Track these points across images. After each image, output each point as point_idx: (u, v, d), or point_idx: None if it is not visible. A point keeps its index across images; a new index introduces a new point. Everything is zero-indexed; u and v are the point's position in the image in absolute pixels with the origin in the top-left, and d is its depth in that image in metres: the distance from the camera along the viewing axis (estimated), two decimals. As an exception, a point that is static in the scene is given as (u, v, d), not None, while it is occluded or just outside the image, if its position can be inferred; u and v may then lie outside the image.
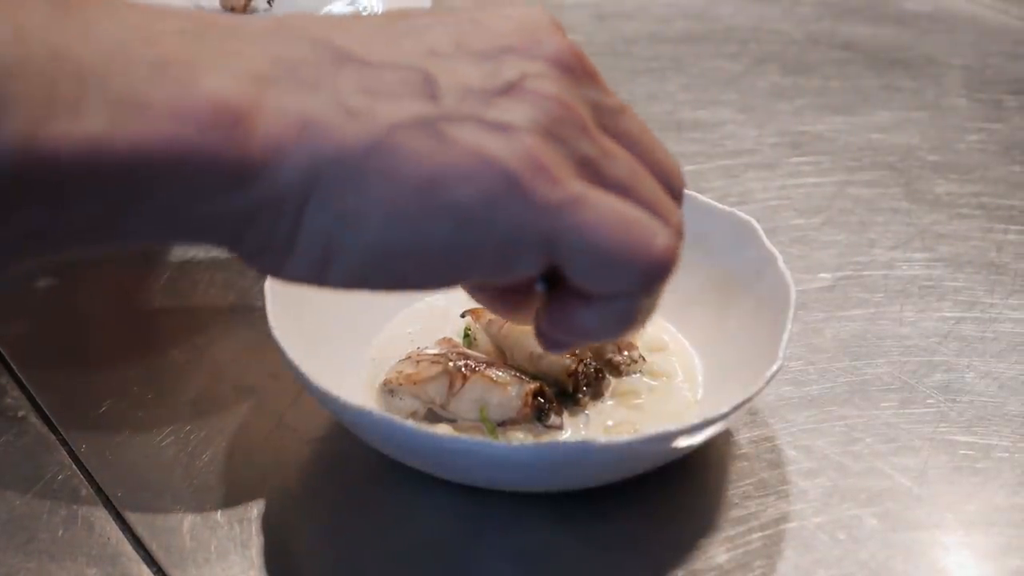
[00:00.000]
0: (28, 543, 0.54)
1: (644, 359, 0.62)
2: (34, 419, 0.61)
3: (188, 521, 0.55)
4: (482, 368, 0.58)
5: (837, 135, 0.88)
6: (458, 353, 0.59)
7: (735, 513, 0.56)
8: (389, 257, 0.41)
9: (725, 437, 0.59)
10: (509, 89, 0.42)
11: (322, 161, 0.39)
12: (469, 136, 0.40)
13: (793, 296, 0.59)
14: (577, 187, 0.41)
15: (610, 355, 0.61)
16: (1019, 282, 0.72)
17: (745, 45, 1.03)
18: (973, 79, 0.98)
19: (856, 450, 0.60)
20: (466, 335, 0.63)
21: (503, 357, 0.61)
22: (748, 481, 0.58)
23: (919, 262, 0.74)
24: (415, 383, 0.58)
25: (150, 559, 0.54)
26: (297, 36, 0.41)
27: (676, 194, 0.46)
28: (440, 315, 0.65)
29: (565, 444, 0.57)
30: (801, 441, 0.60)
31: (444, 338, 0.62)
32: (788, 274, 0.60)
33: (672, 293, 0.64)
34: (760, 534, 0.55)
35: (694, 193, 0.66)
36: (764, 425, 0.61)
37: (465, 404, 0.57)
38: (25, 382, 0.63)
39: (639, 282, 0.42)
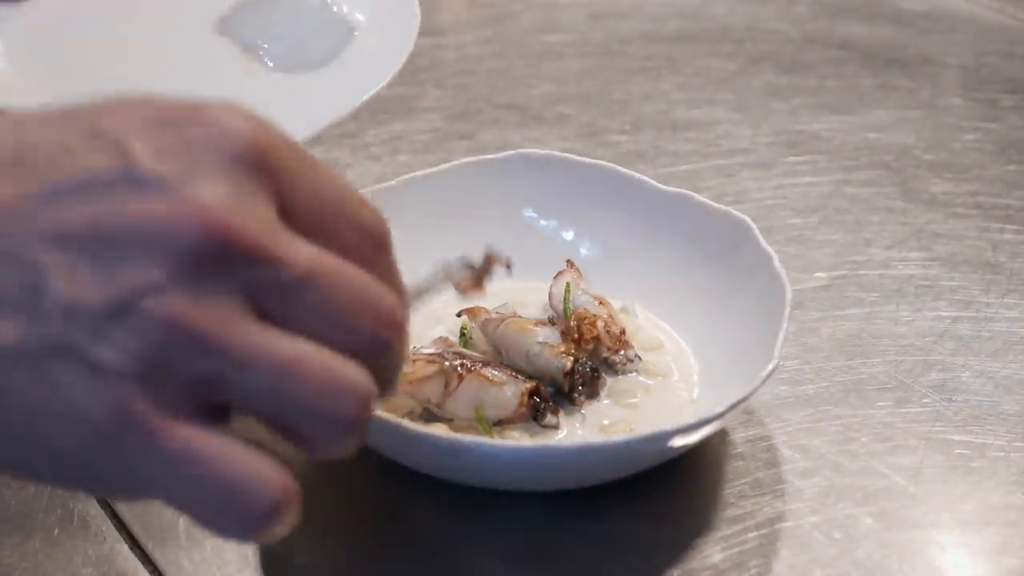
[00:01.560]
0: (24, 542, 0.54)
1: (640, 358, 0.62)
2: (29, 418, 0.61)
3: (184, 520, 0.55)
4: (478, 367, 0.58)
5: (833, 134, 0.88)
6: (454, 352, 0.59)
7: (731, 512, 0.56)
8: (13, 474, 0.41)
9: (721, 436, 0.59)
10: (119, 310, 0.38)
11: None
12: (64, 378, 0.38)
13: (789, 295, 0.59)
14: (177, 440, 0.39)
15: (606, 354, 0.61)
16: (1015, 281, 0.72)
17: (740, 44, 1.03)
18: (969, 78, 0.98)
19: (852, 449, 0.60)
20: (462, 334, 0.63)
21: (499, 356, 0.61)
22: (744, 480, 0.58)
23: (915, 261, 0.74)
24: (411, 382, 0.58)
25: (146, 558, 0.54)
26: None
27: (376, 352, 0.42)
28: (436, 314, 0.65)
29: (561, 444, 0.57)
30: (797, 440, 0.60)
31: (440, 337, 0.62)
32: (784, 273, 0.60)
33: (668, 292, 0.65)
34: (756, 533, 0.55)
35: (690, 192, 0.66)
36: (760, 424, 0.61)
37: (461, 403, 0.57)
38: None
39: (241, 531, 0.40)
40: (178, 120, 0.41)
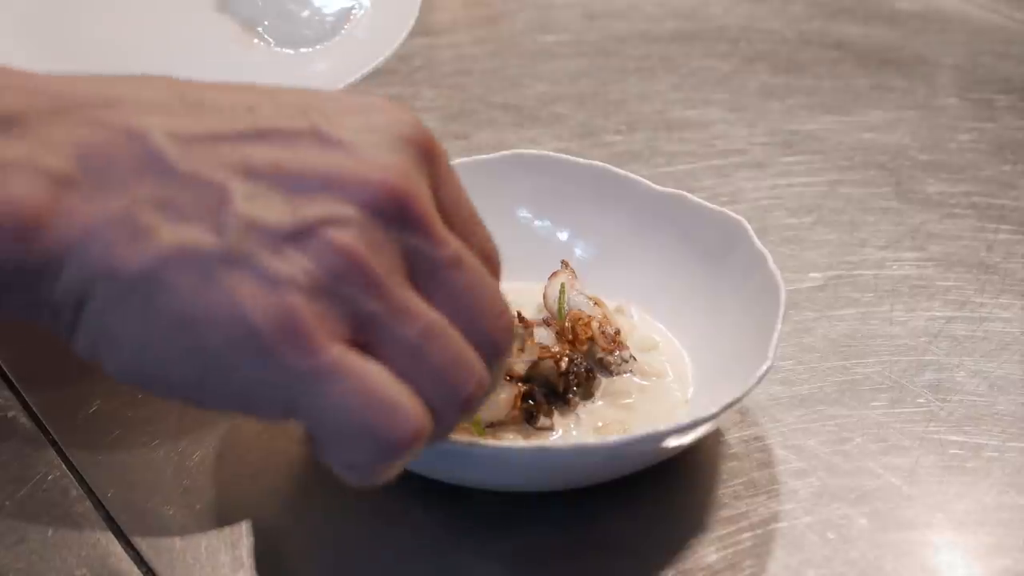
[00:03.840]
0: (18, 543, 0.54)
1: (635, 359, 0.62)
2: (23, 419, 0.61)
3: (178, 521, 0.55)
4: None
5: (828, 134, 0.88)
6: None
7: (725, 513, 0.56)
8: (141, 376, 0.41)
9: (715, 437, 0.59)
10: (301, 233, 0.41)
11: (95, 277, 0.40)
12: (233, 282, 0.40)
13: (783, 296, 0.59)
14: (330, 354, 0.40)
15: (601, 355, 0.61)
16: (1009, 281, 0.72)
17: (736, 44, 1.03)
18: (964, 78, 0.98)
19: (846, 449, 0.60)
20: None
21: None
22: (738, 481, 0.58)
23: (910, 261, 0.74)
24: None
25: (140, 559, 0.54)
26: (116, 123, 0.41)
27: (491, 354, 0.45)
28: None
29: (555, 444, 0.57)
30: (791, 441, 0.60)
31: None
32: (778, 274, 0.60)
33: (663, 293, 0.65)
34: (750, 534, 0.55)
35: (685, 193, 0.66)
36: (754, 425, 0.61)
37: (454, 405, 0.57)
38: (15, 382, 0.63)
39: (367, 459, 0.42)
40: (354, 106, 0.45)
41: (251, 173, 0.41)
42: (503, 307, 0.46)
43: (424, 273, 0.43)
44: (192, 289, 0.40)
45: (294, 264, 0.40)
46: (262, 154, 0.42)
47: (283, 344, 0.40)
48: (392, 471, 0.43)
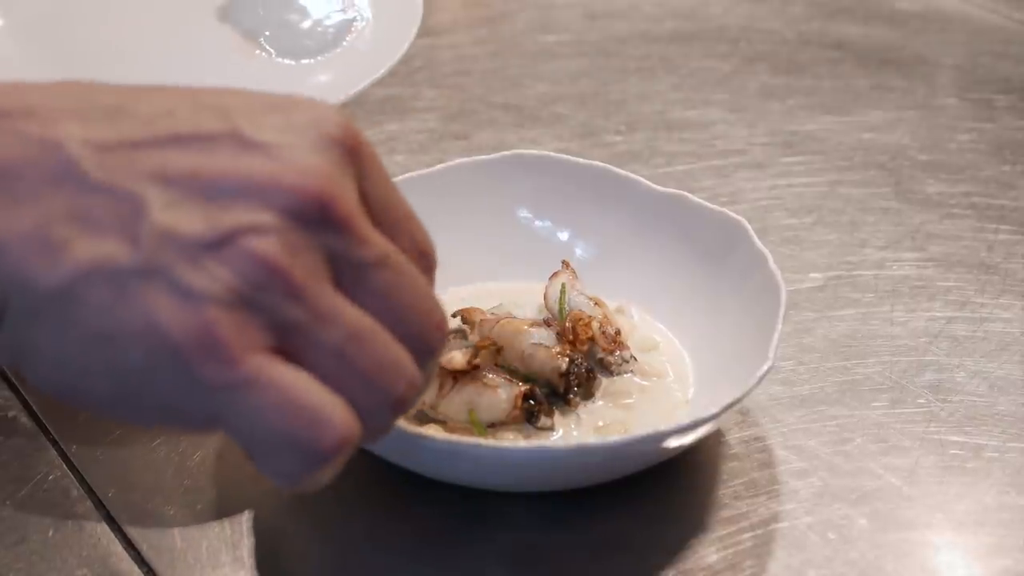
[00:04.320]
0: (18, 544, 0.54)
1: (635, 359, 0.62)
2: (24, 419, 0.61)
3: (179, 521, 0.55)
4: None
5: (828, 135, 0.88)
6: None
7: (725, 513, 0.56)
8: (61, 392, 0.41)
9: (716, 437, 0.59)
10: (218, 243, 0.40)
11: (9, 291, 0.39)
12: (150, 296, 0.39)
13: (784, 296, 0.59)
14: (251, 366, 0.40)
15: (601, 355, 0.62)
16: (1009, 282, 0.72)
17: (736, 45, 1.03)
18: (964, 79, 0.98)
19: (847, 450, 0.60)
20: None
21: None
22: (739, 481, 0.58)
23: (910, 262, 0.74)
24: (406, 383, 0.58)
25: (140, 559, 0.54)
26: (33, 134, 0.40)
27: (422, 353, 0.44)
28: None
29: (556, 444, 0.57)
30: (792, 441, 0.60)
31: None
32: (779, 274, 0.60)
33: (664, 293, 0.65)
34: (750, 534, 0.55)
35: (684, 193, 0.66)
36: (755, 425, 0.61)
37: (455, 406, 0.57)
38: (15, 382, 0.63)
39: (295, 467, 0.41)
40: (277, 105, 0.44)
41: (168, 181, 0.41)
42: (433, 305, 0.45)
43: (349, 275, 0.42)
44: (107, 304, 0.39)
45: (211, 275, 0.40)
46: (179, 160, 0.41)
47: (201, 357, 0.39)
48: (323, 477, 0.42)
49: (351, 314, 0.42)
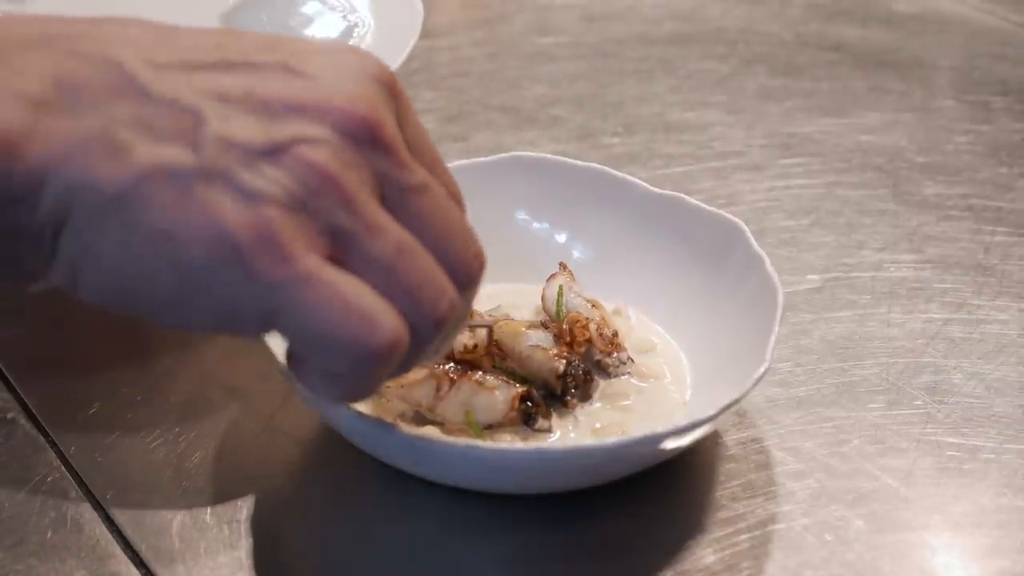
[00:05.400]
0: (17, 544, 0.54)
1: (633, 361, 0.62)
2: (23, 421, 0.61)
3: (177, 522, 0.55)
4: (470, 372, 0.58)
5: (826, 137, 0.89)
6: (446, 356, 0.59)
7: (723, 514, 0.56)
8: (121, 295, 0.42)
9: (713, 439, 0.59)
10: (275, 151, 0.42)
11: (75, 195, 0.40)
12: (211, 197, 0.41)
13: (781, 298, 0.59)
14: (308, 265, 0.41)
15: (599, 356, 0.62)
16: (1006, 283, 0.73)
17: (734, 46, 1.03)
18: (961, 81, 0.98)
19: (844, 451, 0.60)
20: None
21: (492, 359, 0.61)
22: (736, 482, 0.58)
23: (907, 264, 0.74)
24: (403, 386, 0.58)
25: (139, 560, 0.54)
26: (89, 51, 0.42)
27: (462, 281, 0.46)
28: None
29: (553, 446, 0.57)
30: (789, 442, 0.60)
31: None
32: (776, 276, 0.60)
33: (661, 295, 0.65)
34: (748, 535, 0.55)
35: (682, 195, 0.66)
36: (752, 426, 0.61)
37: (452, 407, 0.57)
38: (14, 383, 0.63)
39: (349, 368, 0.43)
40: (319, 47, 0.46)
41: (224, 98, 0.42)
42: (472, 236, 0.46)
43: (394, 196, 0.44)
44: (170, 204, 0.40)
45: (269, 179, 0.41)
46: (234, 82, 0.43)
47: (260, 255, 0.41)
48: (370, 384, 0.44)
49: (396, 229, 0.44)
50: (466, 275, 0.46)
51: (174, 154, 0.41)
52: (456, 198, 0.48)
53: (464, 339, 0.59)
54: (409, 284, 0.43)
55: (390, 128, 0.44)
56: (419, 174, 0.45)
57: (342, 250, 0.43)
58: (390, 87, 0.45)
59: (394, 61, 0.76)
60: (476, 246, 0.47)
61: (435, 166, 0.47)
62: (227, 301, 0.41)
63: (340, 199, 0.42)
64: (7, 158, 0.40)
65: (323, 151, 0.42)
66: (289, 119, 0.42)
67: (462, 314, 0.46)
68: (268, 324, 0.42)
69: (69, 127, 0.40)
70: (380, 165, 0.44)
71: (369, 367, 0.43)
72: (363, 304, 0.42)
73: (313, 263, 0.41)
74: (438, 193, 0.45)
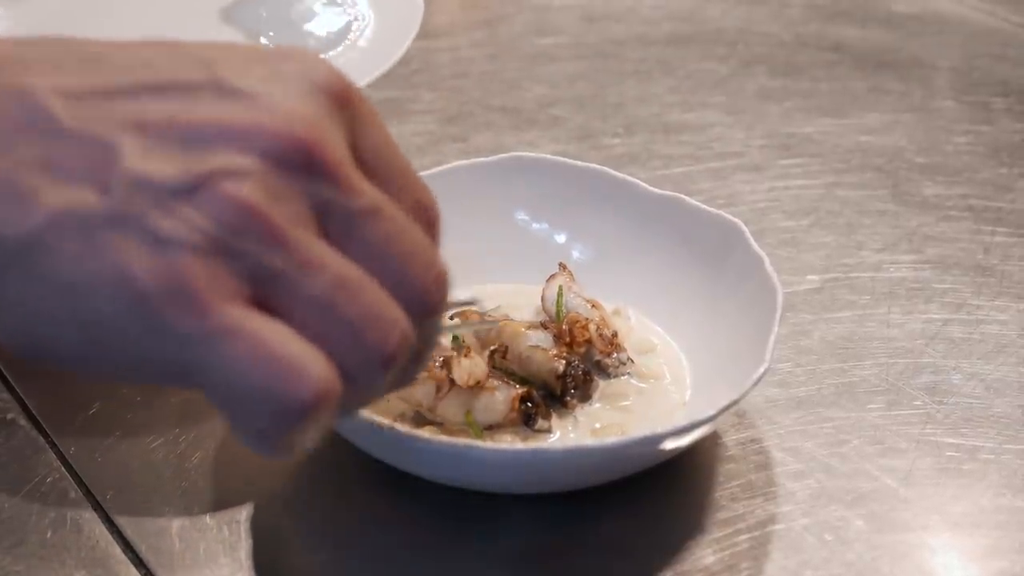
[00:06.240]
0: (17, 545, 0.54)
1: (632, 361, 0.62)
2: (23, 421, 0.61)
3: (177, 523, 0.55)
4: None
5: (825, 137, 0.89)
6: (446, 357, 0.59)
7: (722, 515, 0.56)
8: (30, 348, 0.40)
9: (713, 439, 0.59)
10: (194, 188, 0.38)
11: None
12: (118, 245, 0.38)
13: (780, 298, 0.59)
14: (223, 315, 0.38)
15: (599, 357, 0.62)
16: (1006, 284, 0.73)
17: (733, 47, 1.03)
18: (961, 81, 0.98)
19: (843, 452, 0.60)
20: (455, 338, 0.63)
21: (491, 359, 0.61)
22: (735, 483, 0.58)
23: (907, 264, 0.74)
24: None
25: (139, 561, 0.54)
26: (4, 83, 0.39)
27: (419, 310, 0.42)
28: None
29: (553, 446, 0.57)
30: (788, 443, 0.60)
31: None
32: (776, 276, 0.60)
33: (661, 295, 0.65)
34: (747, 536, 0.55)
35: (682, 195, 0.66)
36: (751, 427, 0.61)
37: (452, 408, 0.57)
38: (14, 384, 0.63)
39: (270, 423, 0.39)
40: (263, 55, 0.42)
41: (142, 128, 0.39)
42: (431, 259, 0.42)
43: (338, 226, 0.40)
44: (76, 253, 0.38)
45: (184, 221, 0.38)
46: (155, 109, 0.40)
47: (172, 307, 0.38)
48: (301, 439, 0.40)
49: (336, 263, 0.40)
50: (424, 303, 0.42)
51: (81, 198, 0.38)
52: (426, 212, 0.44)
53: (466, 369, 0.58)
54: (350, 323, 0.40)
55: (329, 149, 0.40)
56: (367, 197, 0.41)
57: (272, 291, 0.39)
58: (341, 96, 0.42)
59: (393, 55, 0.76)
60: (437, 269, 0.43)
61: (400, 177, 0.43)
62: (139, 356, 0.39)
63: (265, 237, 0.39)
64: None
65: (246, 185, 0.39)
66: (213, 148, 0.39)
67: (423, 348, 0.43)
68: (184, 380, 0.39)
69: None
70: (319, 192, 0.40)
71: (293, 422, 0.39)
72: (284, 354, 0.38)
73: (229, 313, 0.38)
74: (391, 215, 0.41)
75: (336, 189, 0.40)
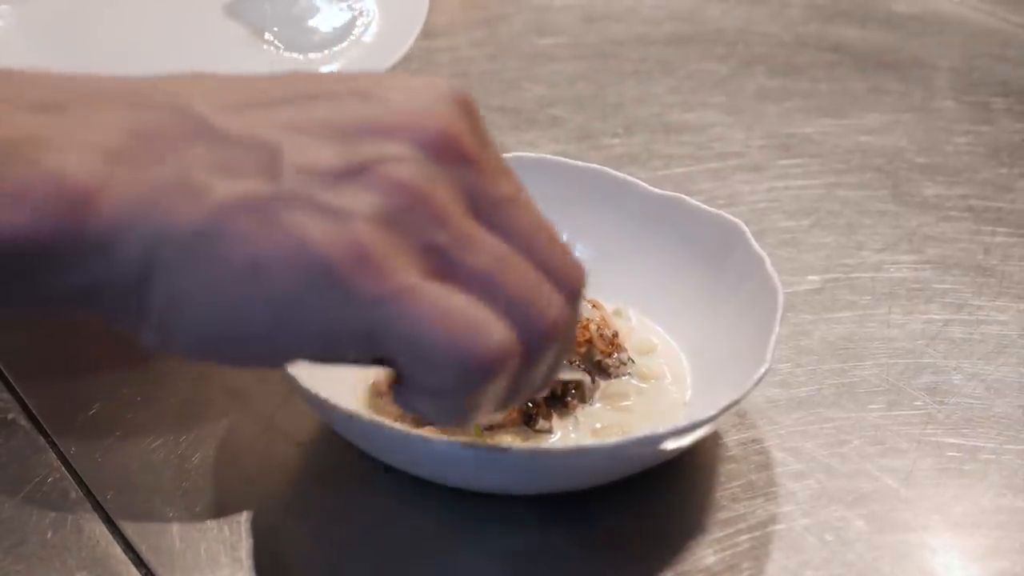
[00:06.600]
0: (17, 546, 0.54)
1: (633, 361, 0.62)
2: (23, 421, 0.61)
3: (177, 524, 0.55)
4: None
5: (825, 137, 0.89)
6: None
7: (723, 515, 0.56)
8: (214, 340, 0.41)
9: (713, 439, 0.59)
10: (359, 171, 0.40)
11: (157, 243, 0.39)
12: (296, 220, 0.39)
13: (781, 298, 0.59)
14: (406, 279, 0.40)
15: (599, 357, 0.62)
16: (1006, 284, 0.73)
17: (733, 47, 1.03)
18: (961, 81, 0.98)
19: (844, 452, 0.60)
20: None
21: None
22: (736, 483, 0.58)
23: (907, 264, 0.74)
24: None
25: (139, 561, 0.54)
26: (160, 102, 0.41)
27: (567, 290, 0.44)
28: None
29: (554, 447, 0.57)
30: (789, 443, 0.60)
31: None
32: (776, 276, 0.60)
33: (661, 295, 0.65)
34: (748, 536, 0.55)
35: (682, 195, 0.66)
36: (752, 427, 0.61)
37: (454, 407, 0.57)
38: (14, 384, 0.63)
39: (456, 382, 0.41)
40: (389, 76, 0.45)
41: (300, 130, 0.41)
42: (568, 246, 0.45)
43: (485, 210, 0.42)
44: (255, 233, 0.39)
45: (356, 197, 0.40)
46: (308, 114, 0.42)
47: (356, 273, 0.39)
48: (479, 402, 0.42)
49: (492, 242, 0.42)
50: (571, 284, 0.44)
51: (252, 187, 0.39)
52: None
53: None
54: (515, 294, 0.42)
55: (471, 141, 0.43)
56: (508, 185, 0.43)
57: (440, 267, 0.41)
58: (465, 105, 0.44)
59: (398, 51, 0.77)
60: (575, 258, 0.45)
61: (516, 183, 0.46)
62: (326, 327, 0.40)
63: (431, 215, 0.41)
64: (81, 212, 0.38)
65: (407, 168, 0.41)
66: (369, 141, 0.41)
67: (570, 326, 0.45)
68: (370, 345, 0.40)
69: (144, 175, 0.39)
70: (467, 179, 0.42)
71: (479, 379, 0.41)
72: (469, 314, 0.40)
73: (412, 277, 0.40)
74: (529, 204, 0.44)
75: (480, 176, 0.42)
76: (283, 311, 0.39)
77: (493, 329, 0.41)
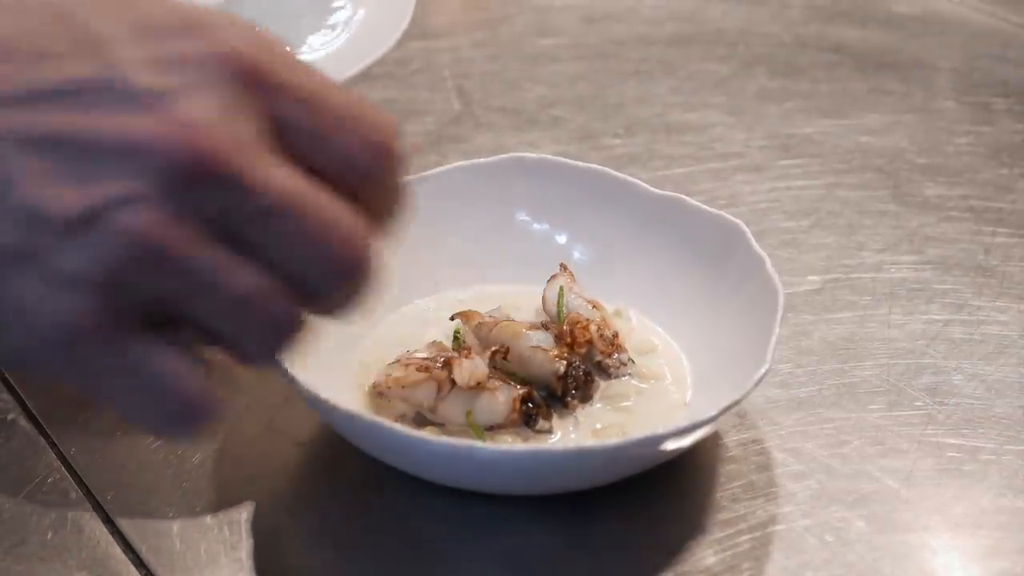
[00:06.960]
0: (17, 546, 0.54)
1: (633, 362, 0.62)
2: (23, 421, 0.61)
3: (178, 524, 0.55)
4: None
5: (826, 138, 0.89)
6: (447, 357, 0.59)
7: (723, 515, 0.56)
8: None
9: (714, 440, 0.59)
10: (89, 221, 0.38)
11: None
12: (20, 284, 0.39)
13: (781, 299, 0.59)
14: (131, 350, 0.40)
15: (599, 358, 0.62)
16: (1007, 284, 0.73)
17: (734, 48, 1.03)
18: (962, 82, 0.98)
19: (844, 452, 0.60)
20: (456, 338, 0.63)
21: (492, 360, 0.61)
22: (736, 483, 0.58)
23: (907, 265, 0.74)
24: (404, 387, 0.58)
25: (139, 562, 0.54)
26: None
27: (329, 288, 0.42)
28: (429, 318, 0.65)
29: (554, 447, 0.57)
30: (789, 443, 0.60)
31: (433, 342, 0.62)
32: (776, 277, 0.60)
33: (662, 296, 0.65)
34: (748, 536, 0.55)
35: (683, 196, 0.66)
36: (752, 427, 0.61)
37: (453, 409, 0.57)
38: (14, 384, 0.63)
39: (174, 432, 0.42)
40: (170, 30, 0.41)
41: (38, 143, 0.39)
42: (345, 233, 0.42)
43: (242, 226, 0.40)
44: None
45: (83, 256, 0.38)
46: (53, 119, 0.39)
47: (78, 344, 0.39)
48: (199, 431, 0.42)
49: (237, 278, 0.40)
50: (338, 279, 0.42)
51: None
52: (379, 147, 0.43)
53: (467, 370, 0.58)
54: (247, 333, 0.42)
55: (227, 156, 0.39)
56: (269, 192, 0.40)
57: (173, 309, 0.40)
58: (250, 74, 0.41)
59: (385, 44, 0.77)
60: (354, 241, 0.42)
61: (342, 123, 0.42)
62: (66, 376, 0.41)
63: (164, 261, 0.39)
64: None
65: (141, 214, 0.38)
66: (108, 170, 0.39)
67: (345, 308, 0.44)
68: (100, 399, 0.42)
69: None
70: (221, 199, 0.39)
71: (185, 427, 0.42)
72: (185, 387, 0.41)
73: (134, 346, 0.40)
74: (297, 204, 0.41)
75: (237, 193, 0.40)
76: (22, 359, 0.41)
77: (198, 393, 0.41)
